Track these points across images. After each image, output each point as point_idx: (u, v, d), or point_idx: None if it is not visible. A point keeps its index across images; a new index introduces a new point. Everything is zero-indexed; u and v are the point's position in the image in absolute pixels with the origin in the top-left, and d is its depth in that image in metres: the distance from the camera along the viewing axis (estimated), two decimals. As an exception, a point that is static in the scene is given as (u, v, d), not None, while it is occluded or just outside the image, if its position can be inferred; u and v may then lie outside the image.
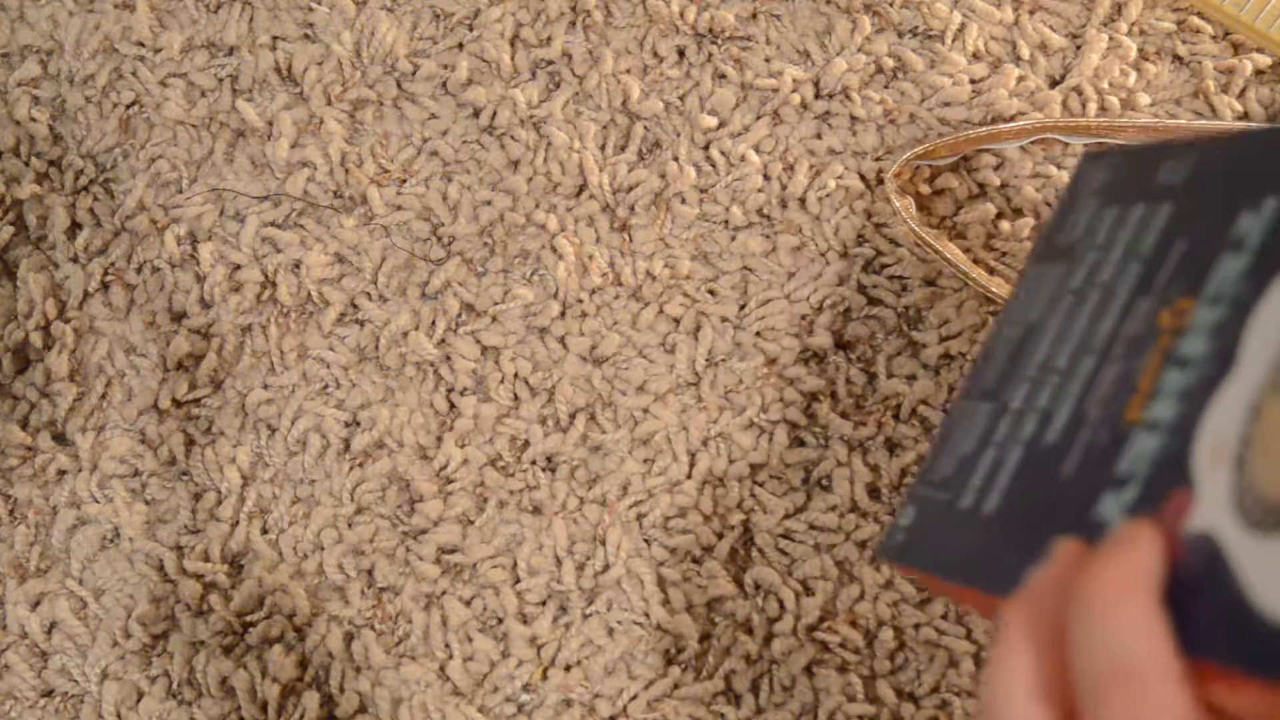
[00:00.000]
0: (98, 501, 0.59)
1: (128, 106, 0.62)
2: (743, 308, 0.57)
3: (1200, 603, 0.29)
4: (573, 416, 0.57)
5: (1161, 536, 0.30)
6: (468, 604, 0.57)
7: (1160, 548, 0.30)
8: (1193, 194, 0.38)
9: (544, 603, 0.56)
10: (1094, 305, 0.39)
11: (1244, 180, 0.36)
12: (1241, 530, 0.28)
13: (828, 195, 0.57)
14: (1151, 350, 0.35)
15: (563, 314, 0.58)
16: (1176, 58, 0.57)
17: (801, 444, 0.56)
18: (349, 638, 0.57)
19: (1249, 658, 0.27)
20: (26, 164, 0.61)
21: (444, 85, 0.60)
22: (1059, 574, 0.31)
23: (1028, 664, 0.30)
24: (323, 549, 0.58)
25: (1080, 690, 0.28)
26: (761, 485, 0.56)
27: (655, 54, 0.59)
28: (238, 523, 0.58)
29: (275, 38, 0.61)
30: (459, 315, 0.59)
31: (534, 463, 0.57)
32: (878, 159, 0.57)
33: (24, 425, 0.60)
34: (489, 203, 0.59)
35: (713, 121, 0.58)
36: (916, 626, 0.55)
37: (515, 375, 0.58)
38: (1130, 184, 0.42)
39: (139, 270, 0.60)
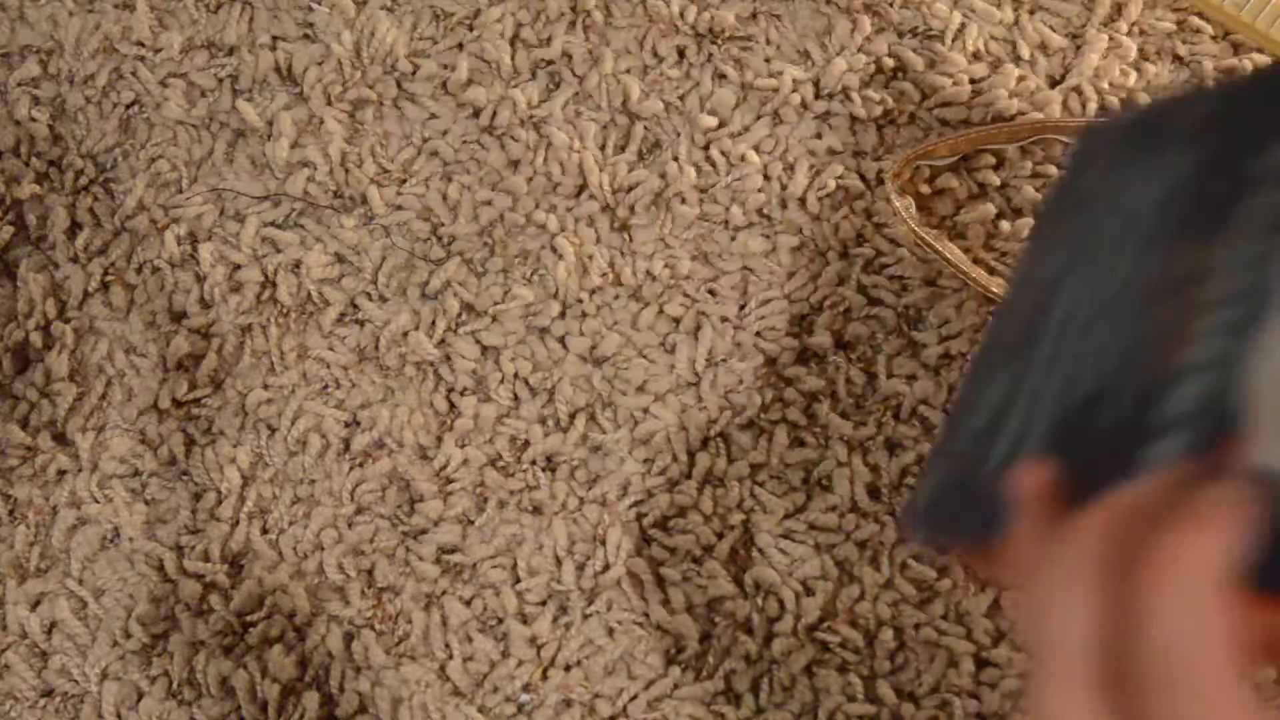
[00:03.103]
0: (98, 501, 0.59)
1: (128, 106, 0.62)
2: (743, 308, 0.57)
3: (1269, 539, 0.28)
4: (573, 416, 0.57)
5: (1239, 505, 0.29)
6: (468, 604, 0.57)
7: (1242, 530, 0.28)
8: (1207, 139, 0.38)
9: (544, 603, 0.56)
10: (1110, 258, 0.39)
11: (1269, 116, 0.35)
12: None
13: (828, 195, 0.57)
14: (1178, 297, 0.35)
15: (563, 314, 0.58)
16: (1176, 58, 0.57)
17: (801, 444, 0.56)
18: (349, 638, 0.57)
19: None
20: (26, 164, 0.61)
21: (444, 85, 0.60)
22: (1144, 502, 0.29)
23: (1087, 603, 0.28)
24: (323, 549, 0.58)
25: (1132, 664, 0.27)
26: (761, 485, 0.56)
27: (655, 54, 0.59)
28: (238, 523, 0.58)
29: (275, 38, 0.61)
30: (459, 315, 0.59)
31: (534, 463, 0.57)
32: (878, 159, 0.57)
33: (24, 425, 0.60)
34: (489, 203, 0.59)
35: (713, 121, 0.58)
36: (916, 626, 0.55)
37: (515, 375, 0.58)
38: (1142, 137, 0.41)
39: (139, 270, 0.60)
